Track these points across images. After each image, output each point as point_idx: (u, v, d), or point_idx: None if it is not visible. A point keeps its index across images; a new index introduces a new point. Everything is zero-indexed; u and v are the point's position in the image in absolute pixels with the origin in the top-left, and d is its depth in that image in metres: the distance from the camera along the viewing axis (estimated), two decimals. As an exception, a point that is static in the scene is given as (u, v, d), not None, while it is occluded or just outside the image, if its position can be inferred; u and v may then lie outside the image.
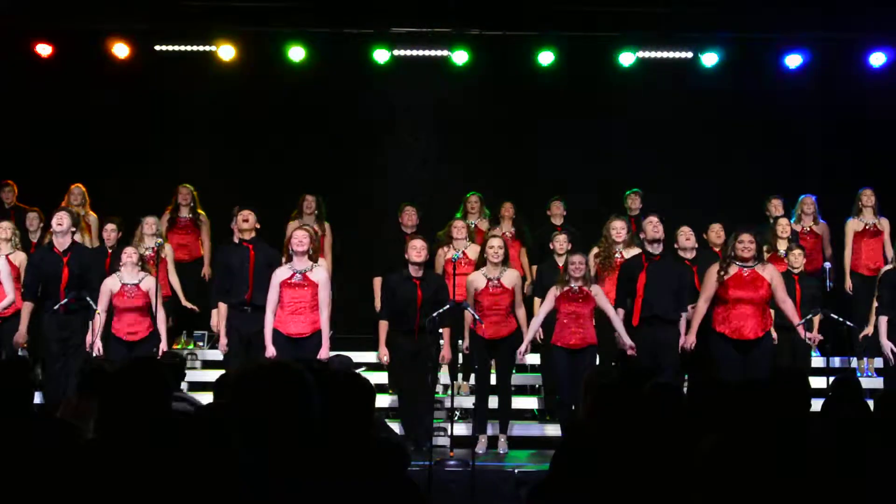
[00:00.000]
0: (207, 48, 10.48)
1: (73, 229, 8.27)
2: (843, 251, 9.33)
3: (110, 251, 8.76)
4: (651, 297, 7.68)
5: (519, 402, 8.78)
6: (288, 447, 2.59)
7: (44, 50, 10.33)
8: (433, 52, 10.61)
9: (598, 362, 7.97)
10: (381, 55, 10.41)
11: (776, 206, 9.43)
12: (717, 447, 3.05)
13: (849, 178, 10.58)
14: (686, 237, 8.32)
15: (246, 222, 7.90)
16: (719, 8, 10.09)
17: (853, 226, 9.30)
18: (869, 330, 8.32)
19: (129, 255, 7.95)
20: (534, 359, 9.07)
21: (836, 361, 8.52)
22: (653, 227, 7.85)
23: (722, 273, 7.46)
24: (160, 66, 10.61)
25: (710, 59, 10.41)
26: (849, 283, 9.21)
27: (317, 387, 2.72)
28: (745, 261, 7.46)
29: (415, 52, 10.60)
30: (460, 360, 8.76)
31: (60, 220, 8.20)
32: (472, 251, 8.57)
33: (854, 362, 9.05)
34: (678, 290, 7.76)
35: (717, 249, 8.94)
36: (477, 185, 10.98)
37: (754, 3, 10.06)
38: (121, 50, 10.34)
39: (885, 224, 9.31)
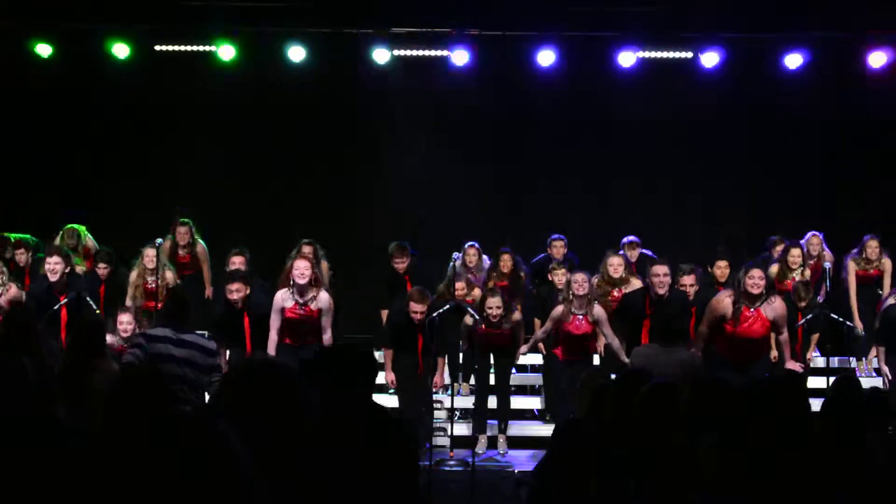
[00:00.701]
0: (207, 48, 10.47)
1: (67, 269, 8.23)
2: (845, 288, 9.15)
3: (104, 281, 8.72)
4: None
5: (519, 402, 8.78)
6: (285, 443, 2.60)
7: (44, 50, 10.33)
8: (433, 52, 10.61)
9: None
10: (381, 55, 10.40)
11: (779, 252, 9.23)
12: (718, 447, 3.05)
13: (849, 178, 10.59)
14: (687, 291, 8.04)
15: (235, 300, 7.56)
16: (719, 8, 10.09)
17: (853, 266, 9.17)
18: (871, 355, 8.39)
19: (123, 327, 7.54)
20: (534, 359, 9.08)
21: (836, 361, 8.52)
22: (659, 280, 7.65)
23: (734, 312, 7.27)
24: (160, 66, 10.61)
25: (710, 59, 10.41)
26: (859, 325, 9.05)
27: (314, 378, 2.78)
28: (752, 299, 7.26)
29: (415, 52, 10.59)
30: (460, 360, 8.75)
31: (54, 269, 8.03)
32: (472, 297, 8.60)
33: (853, 362, 9.05)
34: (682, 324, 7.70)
35: (719, 288, 8.76)
36: (476, 185, 11.01)
37: (754, 3, 10.06)
38: (121, 50, 10.34)
39: (886, 266, 9.13)
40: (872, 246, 9.14)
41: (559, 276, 8.60)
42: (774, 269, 8.76)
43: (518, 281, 9.11)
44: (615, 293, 8.31)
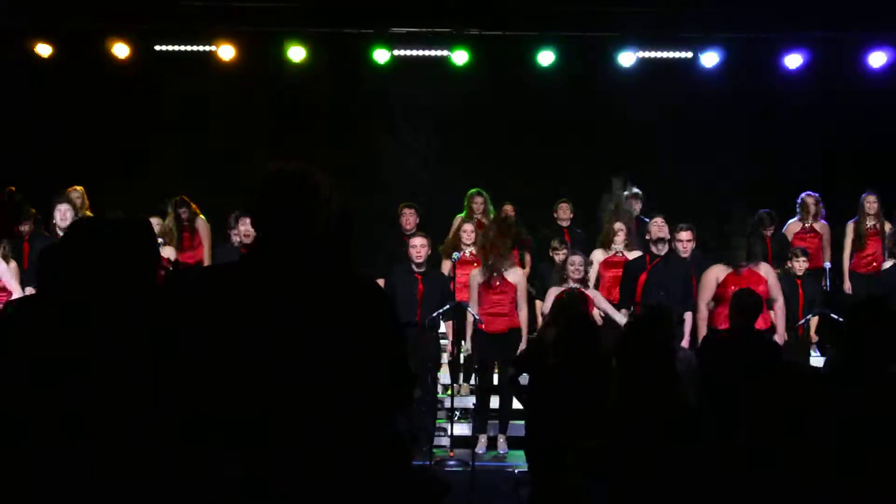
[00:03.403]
0: (207, 48, 10.47)
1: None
2: (842, 252, 9.34)
3: None
4: (654, 298, 7.70)
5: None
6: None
7: (44, 50, 10.32)
8: (433, 52, 10.61)
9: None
10: (381, 55, 10.40)
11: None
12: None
13: (849, 178, 10.59)
14: (684, 247, 8.25)
15: (247, 237, 7.84)
16: (719, 8, 10.09)
17: (853, 227, 9.32)
18: None
19: None
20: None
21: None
22: (657, 227, 8.01)
23: (718, 277, 7.56)
24: (160, 66, 10.61)
25: (710, 59, 10.41)
26: (847, 285, 9.20)
27: None
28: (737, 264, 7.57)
29: (415, 52, 10.59)
30: (462, 360, 8.75)
31: (64, 216, 8.23)
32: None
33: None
34: (682, 288, 7.79)
35: None
36: (477, 186, 10.99)
37: (754, 3, 10.06)
38: (121, 50, 10.33)
39: (887, 228, 9.28)
40: (870, 200, 9.25)
41: (559, 255, 8.60)
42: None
43: (522, 233, 9.08)
44: (619, 257, 8.47)
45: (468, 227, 8.72)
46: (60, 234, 8.29)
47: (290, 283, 2.50)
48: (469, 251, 8.59)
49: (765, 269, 7.62)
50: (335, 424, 2.40)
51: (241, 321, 2.43)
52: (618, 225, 8.62)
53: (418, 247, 7.81)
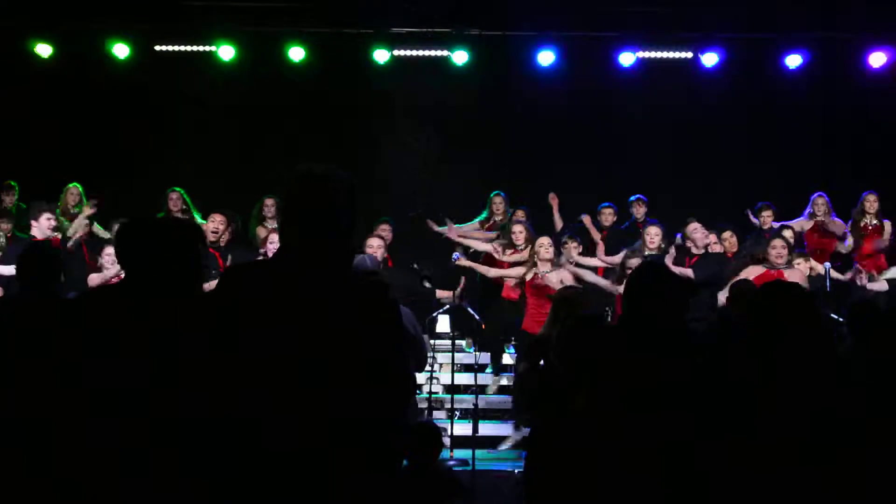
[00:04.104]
0: (207, 48, 10.48)
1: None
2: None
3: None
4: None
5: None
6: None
7: (44, 50, 10.32)
8: (433, 52, 10.61)
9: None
10: (381, 55, 10.41)
11: (767, 218, 9.47)
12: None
13: (848, 178, 10.59)
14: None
15: (214, 233, 7.95)
16: (719, 8, 10.09)
17: (851, 227, 9.37)
18: None
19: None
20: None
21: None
22: (702, 235, 8.19)
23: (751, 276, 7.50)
24: (160, 66, 10.61)
25: (710, 59, 10.41)
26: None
27: None
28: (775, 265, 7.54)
29: (415, 52, 10.60)
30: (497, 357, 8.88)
31: (50, 223, 8.13)
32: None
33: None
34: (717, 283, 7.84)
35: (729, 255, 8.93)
36: (477, 186, 11.00)
37: (754, 3, 10.06)
38: (121, 50, 10.34)
39: (887, 227, 9.31)
40: (871, 200, 9.32)
41: (571, 248, 8.65)
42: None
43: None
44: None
45: (518, 227, 8.75)
46: (40, 237, 8.17)
47: (314, 282, 2.51)
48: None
49: (798, 275, 7.53)
50: (337, 423, 2.40)
51: (259, 321, 2.44)
52: (654, 230, 8.54)
53: (375, 247, 7.86)
